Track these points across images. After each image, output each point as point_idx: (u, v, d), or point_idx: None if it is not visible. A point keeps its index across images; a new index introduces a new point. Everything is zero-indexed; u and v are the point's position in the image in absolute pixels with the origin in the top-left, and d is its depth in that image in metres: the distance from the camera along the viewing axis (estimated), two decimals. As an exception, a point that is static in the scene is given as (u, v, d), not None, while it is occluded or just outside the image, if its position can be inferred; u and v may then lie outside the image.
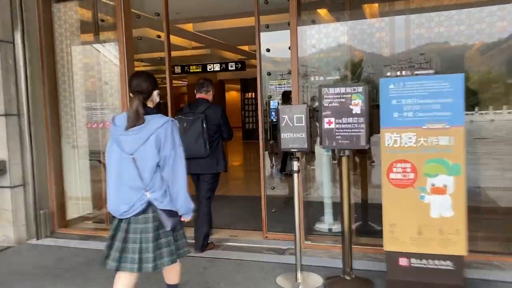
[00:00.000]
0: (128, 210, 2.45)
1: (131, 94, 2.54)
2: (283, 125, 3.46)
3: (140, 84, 2.53)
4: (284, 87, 5.68)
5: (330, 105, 3.37)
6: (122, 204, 2.46)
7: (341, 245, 3.53)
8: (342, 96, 3.33)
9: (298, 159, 3.50)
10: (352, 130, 3.31)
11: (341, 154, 3.41)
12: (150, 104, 2.57)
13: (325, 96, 3.38)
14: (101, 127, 5.29)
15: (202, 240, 4.29)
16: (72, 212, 5.59)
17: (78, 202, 5.62)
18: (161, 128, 2.43)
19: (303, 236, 4.32)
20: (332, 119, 3.36)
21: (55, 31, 5.32)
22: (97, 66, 5.39)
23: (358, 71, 4.49)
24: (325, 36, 4.45)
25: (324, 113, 3.39)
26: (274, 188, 5.25)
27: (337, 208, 4.67)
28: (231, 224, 5.42)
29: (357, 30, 4.41)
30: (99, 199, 5.47)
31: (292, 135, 3.44)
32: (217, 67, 12.97)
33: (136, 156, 2.44)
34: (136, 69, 5.20)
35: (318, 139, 3.65)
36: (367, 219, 4.68)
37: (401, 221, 3.25)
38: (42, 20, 5.13)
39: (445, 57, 4.16)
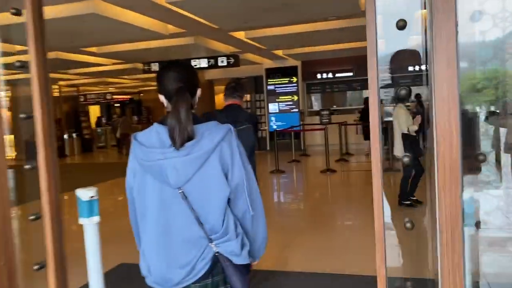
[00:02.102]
0: (186, 277, 1.60)
1: (161, 97, 1.68)
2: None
3: (185, 78, 1.65)
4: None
5: None
6: (175, 268, 1.60)
7: None
8: None
9: None
10: None
11: None
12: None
13: None
14: None
15: None
16: None
17: None
18: (224, 142, 1.59)
19: None
20: None
21: None
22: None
23: None
24: None
25: None
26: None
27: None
28: None
29: None
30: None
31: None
32: (204, 63, 10.51)
33: (189, 189, 1.58)
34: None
35: None
36: None
37: None
38: None
39: None
